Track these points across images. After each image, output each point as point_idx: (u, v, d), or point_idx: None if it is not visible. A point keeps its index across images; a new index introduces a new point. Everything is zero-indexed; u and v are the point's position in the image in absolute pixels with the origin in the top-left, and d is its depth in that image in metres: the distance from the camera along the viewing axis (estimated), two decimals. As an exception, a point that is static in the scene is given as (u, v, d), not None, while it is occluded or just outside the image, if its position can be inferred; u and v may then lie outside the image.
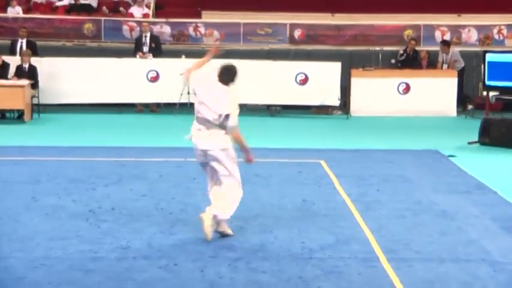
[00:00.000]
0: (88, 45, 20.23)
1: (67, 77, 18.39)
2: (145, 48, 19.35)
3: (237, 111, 8.29)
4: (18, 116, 17.65)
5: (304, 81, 18.92)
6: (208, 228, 8.15)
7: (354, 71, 19.24)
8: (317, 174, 11.87)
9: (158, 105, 19.48)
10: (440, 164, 13.01)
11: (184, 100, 18.49)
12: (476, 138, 14.96)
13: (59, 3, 21.48)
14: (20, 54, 18.29)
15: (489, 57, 16.01)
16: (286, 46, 20.68)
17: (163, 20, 20.86)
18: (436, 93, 19.17)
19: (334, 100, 18.93)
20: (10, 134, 15.73)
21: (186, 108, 18.63)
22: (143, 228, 8.71)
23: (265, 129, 16.95)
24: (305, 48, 20.56)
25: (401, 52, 20.03)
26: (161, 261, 7.59)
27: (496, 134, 14.76)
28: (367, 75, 19.27)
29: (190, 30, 20.76)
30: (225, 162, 8.31)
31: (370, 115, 18.89)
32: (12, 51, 18.79)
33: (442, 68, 19.80)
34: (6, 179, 11.21)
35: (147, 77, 18.87)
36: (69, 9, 21.36)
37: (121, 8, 21.51)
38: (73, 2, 21.46)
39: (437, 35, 20.87)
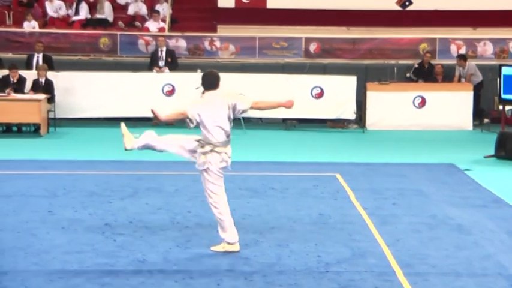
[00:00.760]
0: (104, 60, 20.31)
1: (83, 91, 18.47)
2: (162, 63, 19.41)
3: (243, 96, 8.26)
4: (35, 130, 17.74)
5: (320, 95, 18.92)
6: None
7: (369, 85, 19.24)
8: (333, 188, 11.86)
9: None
10: (456, 177, 12.96)
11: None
12: (492, 152, 14.90)
13: (75, 18, 21.59)
14: (37, 69, 18.39)
15: (505, 70, 15.97)
16: (301, 60, 20.70)
17: (179, 34, 20.94)
18: (452, 106, 19.13)
19: (350, 114, 18.92)
20: (26, 147, 15.80)
21: (202, 122, 18.71)
22: (159, 242, 8.71)
23: (281, 143, 16.96)
24: (320, 62, 20.57)
25: (416, 65, 20.00)
26: (177, 275, 7.59)
27: (513, 148, 14.71)
28: (382, 89, 19.26)
29: (206, 44, 20.83)
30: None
31: (385, 129, 18.87)
32: (28, 66, 18.90)
33: (459, 81, 19.75)
34: (22, 192, 11.25)
35: (162, 90, 18.93)
36: (85, 23, 21.47)
37: (137, 23, 21.61)
38: (89, 16, 21.58)
39: (453, 48, 20.84)
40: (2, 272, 7.60)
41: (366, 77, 19.35)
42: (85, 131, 18.21)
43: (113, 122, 19.00)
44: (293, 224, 9.62)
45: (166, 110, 8.82)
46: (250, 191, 11.49)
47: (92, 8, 21.71)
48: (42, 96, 17.41)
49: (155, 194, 11.32)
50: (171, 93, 18.96)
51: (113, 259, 8.06)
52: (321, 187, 11.89)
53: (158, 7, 21.87)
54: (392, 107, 19.17)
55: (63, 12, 21.69)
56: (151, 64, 19.45)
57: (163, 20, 21.56)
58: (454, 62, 20.10)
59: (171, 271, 7.70)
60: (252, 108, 8.57)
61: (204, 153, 8.38)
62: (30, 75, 18.16)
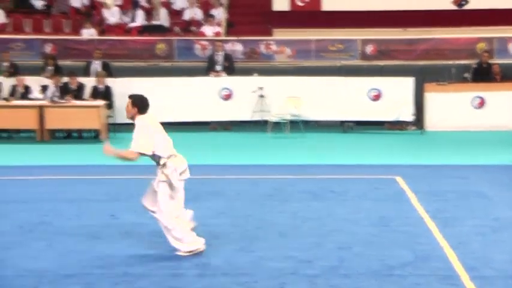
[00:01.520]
0: (161, 65, 20.48)
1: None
2: (219, 67, 19.50)
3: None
4: (95, 136, 17.98)
5: (377, 96, 18.82)
6: None
7: (427, 86, 19.08)
8: (393, 190, 11.78)
9: (231, 123, 19.59)
10: (518, 179, 12.79)
11: (257, 118, 18.61)
12: (554, 152, 14.67)
13: (131, 25, 21.82)
14: (95, 76, 18.64)
15: None
16: (358, 62, 20.61)
17: (235, 38, 21.02)
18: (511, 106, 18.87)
19: (408, 115, 18.78)
20: (87, 153, 16.01)
21: (259, 125, 18.75)
22: (222, 245, 8.76)
23: (339, 146, 16.91)
24: (377, 63, 20.45)
25: (475, 66, 19.76)
26: (241, 278, 7.61)
27: None
28: (440, 89, 19.09)
29: (262, 47, 20.87)
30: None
31: (444, 130, 18.68)
32: (87, 73, 19.16)
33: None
34: (84, 197, 11.42)
35: (220, 95, 19.03)
36: (142, 30, 21.69)
37: (193, 27, 21.75)
38: (146, 23, 21.79)
39: (511, 47, 20.53)
40: (67, 275, 7.72)
41: (423, 78, 19.17)
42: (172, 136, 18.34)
43: (170, 126, 19.16)
44: (354, 227, 9.58)
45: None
46: (309, 194, 11.48)
47: (148, 14, 21.92)
48: (101, 102, 17.64)
49: (216, 198, 11.38)
50: (228, 97, 19.06)
51: (176, 262, 8.13)
52: (380, 190, 11.83)
53: (213, 11, 21.98)
54: (450, 108, 18.98)
55: (119, 18, 21.94)
56: (208, 68, 19.55)
57: (219, 24, 21.67)
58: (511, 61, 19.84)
59: (234, 274, 7.73)
60: None
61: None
62: (89, 82, 18.42)
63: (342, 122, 19.30)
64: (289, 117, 18.38)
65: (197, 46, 20.70)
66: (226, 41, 20.70)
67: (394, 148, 16.68)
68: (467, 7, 20.85)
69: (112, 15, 21.86)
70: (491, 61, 19.95)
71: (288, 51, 20.79)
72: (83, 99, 17.97)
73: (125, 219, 10.04)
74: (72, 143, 17.40)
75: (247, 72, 19.31)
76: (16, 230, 9.49)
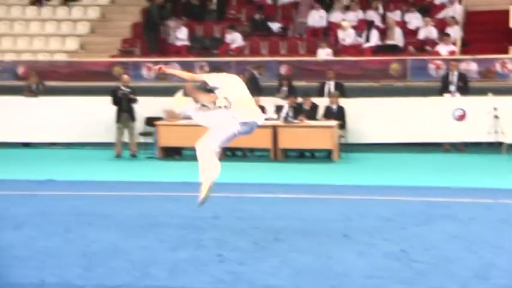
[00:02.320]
0: (394, 86, 20.39)
1: (373, 117, 18.65)
2: (453, 87, 19.10)
3: None
4: (327, 156, 18.19)
5: None
6: None
7: None
8: None
9: (465, 144, 19.10)
10: None
11: (491, 139, 18.02)
12: None
13: (366, 45, 21.92)
14: (329, 96, 18.87)
15: None
16: None
17: (470, 57, 20.50)
18: None
19: None
20: (320, 172, 16.24)
21: (494, 147, 18.14)
22: (456, 271, 8.51)
23: None
24: None
25: None
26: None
27: None
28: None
29: (498, 66, 20.19)
30: None
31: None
32: (320, 93, 19.44)
33: None
34: (317, 216, 11.55)
35: (453, 115, 18.61)
36: (376, 50, 21.72)
37: (427, 47, 21.48)
38: (380, 43, 21.80)
39: None
40: (303, 294, 7.84)
41: None
42: (376, 157, 18.38)
43: (402, 147, 19.06)
44: None
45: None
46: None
47: (383, 34, 21.92)
48: (334, 122, 17.83)
49: (449, 221, 11.09)
50: (462, 118, 18.60)
51: (411, 286, 8.01)
52: None
53: (449, 30, 21.58)
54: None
55: (353, 39, 22.13)
56: (442, 89, 19.19)
57: (454, 43, 21.24)
58: None
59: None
60: None
61: None
62: (322, 102, 18.68)
63: None
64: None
65: (431, 66, 20.39)
66: (461, 60, 20.23)
67: None
68: None
69: (347, 36, 22.08)
70: None
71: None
72: (316, 120, 18.24)
73: (358, 239, 10.03)
74: (304, 162, 17.70)
75: (481, 92, 18.76)
76: (251, 247, 9.76)
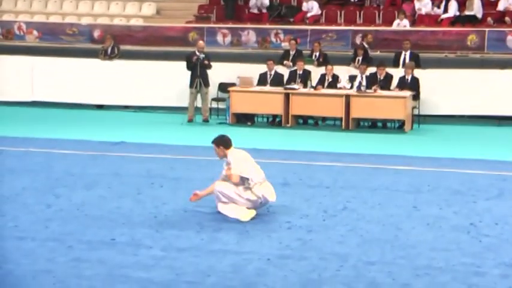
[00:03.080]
0: (470, 57, 20.02)
1: (447, 89, 18.35)
2: (531, 60, 18.67)
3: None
4: (399, 126, 18.02)
5: None
6: None
7: None
8: None
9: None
10: None
11: None
12: None
13: (444, 16, 21.55)
14: (403, 66, 18.64)
15: None
16: None
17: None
18: None
19: None
20: (391, 143, 16.10)
21: None
22: (528, 246, 8.40)
23: None
24: None
25: None
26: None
27: None
28: None
29: None
30: None
31: None
32: (395, 63, 19.21)
33: None
34: (387, 186, 11.47)
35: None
36: (454, 21, 21.33)
37: (506, 18, 20.99)
38: (458, 13, 21.40)
39: None
40: (370, 262, 7.83)
41: None
42: (449, 129, 18.13)
43: (477, 120, 18.75)
44: None
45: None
46: None
47: (462, 5, 21.50)
48: (407, 93, 17.62)
49: (522, 196, 10.93)
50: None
51: (479, 260, 7.93)
52: None
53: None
54: None
55: (431, 9, 21.79)
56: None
57: (535, 16, 20.70)
58: None
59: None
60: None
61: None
62: (396, 73, 18.46)
63: None
64: None
65: (510, 38, 19.91)
66: (541, 33, 19.73)
67: None
68: None
69: (424, 6, 21.75)
70: None
71: None
72: (390, 90, 18.05)
73: (427, 212, 9.96)
74: (376, 133, 17.57)
75: None
76: (320, 214, 9.78)
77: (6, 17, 24.31)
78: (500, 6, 21.40)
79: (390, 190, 11.25)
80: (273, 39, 21.35)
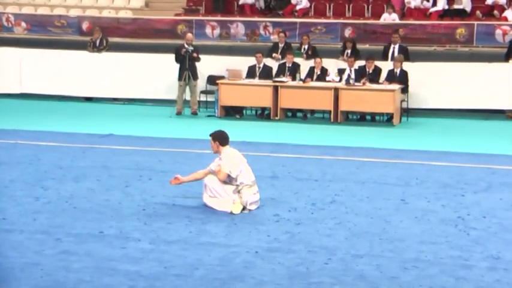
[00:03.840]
0: (459, 50, 20.07)
1: (436, 82, 18.39)
2: (520, 53, 18.70)
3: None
4: (388, 120, 18.05)
5: None
6: None
7: None
8: None
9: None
10: None
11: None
12: None
13: (432, 9, 21.57)
14: (392, 59, 18.66)
15: None
16: None
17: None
18: None
19: None
20: (380, 136, 16.12)
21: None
22: (515, 240, 8.43)
23: None
24: None
25: None
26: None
27: None
28: None
29: None
30: None
31: None
32: (384, 57, 19.23)
33: None
34: (376, 180, 11.48)
35: (517, 82, 18.25)
36: (443, 14, 21.37)
37: (495, 12, 21.04)
38: (447, 7, 21.43)
39: None
40: (358, 255, 7.84)
41: None
42: (438, 122, 18.17)
43: (465, 113, 18.81)
44: None
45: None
46: None
47: (450, -1, 21.58)
48: (396, 86, 17.64)
49: (509, 189, 10.96)
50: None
51: (467, 253, 7.96)
52: None
53: (519, -5, 21.11)
54: None
55: (420, 3, 21.80)
56: (508, 54, 18.79)
57: (522, 9, 20.76)
58: None
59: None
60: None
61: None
62: (385, 66, 18.48)
63: None
64: None
65: (498, 31, 19.98)
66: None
67: None
68: None
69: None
70: None
71: None
72: (379, 83, 18.07)
73: (415, 205, 9.98)
74: (365, 126, 17.60)
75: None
76: (309, 207, 9.79)
77: (-6, 9, 24.21)
78: (489, 0, 21.44)
79: (379, 183, 11.27)
80: (262, 32, 21.34)
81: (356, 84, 17.66)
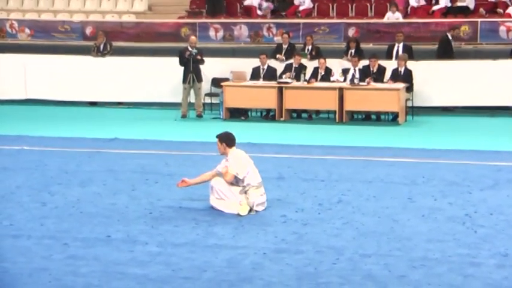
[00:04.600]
0: (463, 48, 20.02)
1: (441, 80, 18.35)
2: (524, 50, 18.67)
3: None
4: (393, 119, 18.02)
5: None
6: None
7: None
8: None
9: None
10: None
11: None
12: None
13: (435, 7, 21.54)
14: (396, 58, 18.64)
15: None
16: None
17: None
18: None
19: None
20: (385, 135, 16.10)
21: None
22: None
23: None
24: None
25: None
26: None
27: None
28: None
29: None
30: None
31: None
32: (388, 56, 19.21)
33: None
34: (382, 178, 11.47)
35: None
36: (446, 12, 21.34)
37: (498, 9, 21.00)
38: (450, 4, 21.40)
39: None
40: (366, 255, 7.83)
41: None
42: (443, 120, 18.14)
43: (471, 111, 18.77)
44: None
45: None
46: None
47: (453, -5, 21.53)
48: (401, 85, 17.62)
49: (517, 186, 10.95)
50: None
51: (474, 251, 7.94)
52: None
53: (521, -7, 21.06)
54: None
55: (423, 1, 21.78)
56: (512, 51, 18.83)
57: (527, 6, 20.71)
58: None
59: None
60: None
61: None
62: (389, 65, 18.46)
63: None
64: None
65: (502, 28, 19.93)
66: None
67: None
68: None
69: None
70: None
71: None
72: (383, 82, 18.05)
73: (422, 203, 9.97)
74: (370, 125, 17.58)
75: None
76: (315, 208, 9.78)
77: (-3, 16, 24.25)
78: (493, -3, 21.42)
79: (385, 182, 11.26)
80: (266, 34, 21.33)
81: (360, 83, 17.63)
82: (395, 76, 18.06)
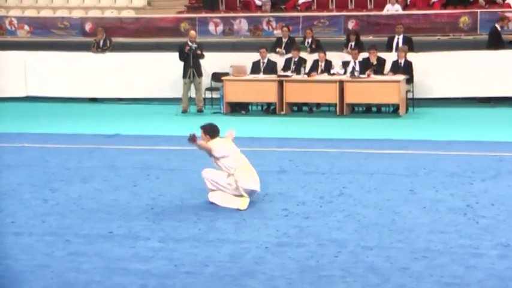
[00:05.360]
0: (463, 39, 20.00)
1: (441, 71, 18.33)
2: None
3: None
4: (394, 111, 18.01)
5: None
6: None
7: None
8: None
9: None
10: None
11: None
12: None
13: (435, -1, 21.56)
14: (396, 50, 18.62)
15: None
16: None
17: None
18: None
19: None
20: (386, 127, 16.08)
21: None
22: None
23: None
24: None
25: None
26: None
27: None
28: None
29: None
30: None
31: None
32: (388, 48, 19.18)
33: None
34: (383, 171, 11.47)
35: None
36: (446, 3, 21.30)
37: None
38: (449, -5, 21.39)
39: None
40: (368, 247, 7.84)
41: None
42: (444, 111, 18.12)
43: (471, 102, 18.75)
44: None
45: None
46: None
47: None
48: (401, 77, 17.61)
49: (517, 176, 10.95)
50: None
51: (476, 242, 7.95)
52: None
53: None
54: None
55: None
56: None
57: (526, -4, 20.65)
58: None
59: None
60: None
61: None
62: (389, 57, 18.43)
63: None
64: None
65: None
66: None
67: None
68: None
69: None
70: None
71: None
72: (383, 74, 18.03)
73: (424, 195, 9.97)
74: (371, 118, 17.57)
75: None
76: (317, 201, 9.79)
77: (-4, 13, 24.23)
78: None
79: (386, 174, 11.25)
80: (265, 27, 21.31)
81: (361, 76, 17.61)
82: (396, 68, 18.04)
